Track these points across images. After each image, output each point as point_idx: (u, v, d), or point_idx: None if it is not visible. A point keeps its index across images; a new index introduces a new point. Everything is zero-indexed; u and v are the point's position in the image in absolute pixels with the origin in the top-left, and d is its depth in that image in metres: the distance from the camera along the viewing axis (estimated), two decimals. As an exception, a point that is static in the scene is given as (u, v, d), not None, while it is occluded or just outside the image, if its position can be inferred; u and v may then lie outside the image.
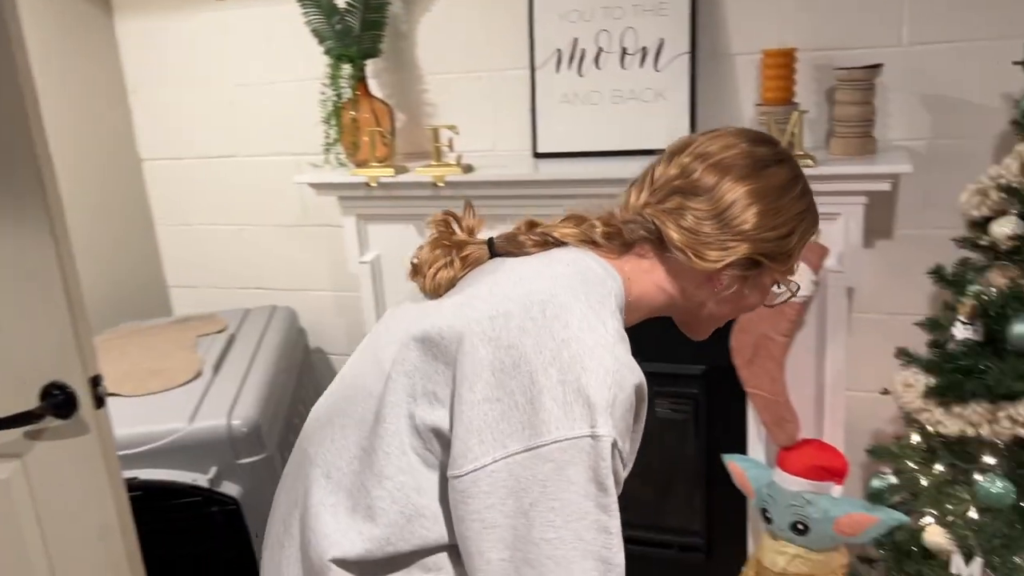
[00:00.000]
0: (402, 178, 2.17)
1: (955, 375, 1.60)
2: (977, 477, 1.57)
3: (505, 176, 2.12)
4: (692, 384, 2.20)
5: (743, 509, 2.21)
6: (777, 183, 0.99)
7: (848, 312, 2.02)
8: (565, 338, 0.88)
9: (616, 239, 1.03)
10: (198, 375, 2.04)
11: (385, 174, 2.16)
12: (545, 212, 2.09)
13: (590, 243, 1.03)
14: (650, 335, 2.17)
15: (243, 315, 2.50)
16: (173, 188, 2.81)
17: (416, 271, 1.06)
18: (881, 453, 1.83)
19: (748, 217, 0.97)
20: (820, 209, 1.92)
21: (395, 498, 0.93)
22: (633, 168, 1.87)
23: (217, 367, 2.09)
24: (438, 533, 0.94)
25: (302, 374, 2.44)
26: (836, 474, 1.91)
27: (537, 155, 2.24)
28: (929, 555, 1.68)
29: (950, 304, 1.72)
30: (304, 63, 2.45)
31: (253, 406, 1.90)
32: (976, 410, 1.56)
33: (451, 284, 1.03)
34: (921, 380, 1.68)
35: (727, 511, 2.24)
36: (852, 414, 2.14)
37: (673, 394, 2.24)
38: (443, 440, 0.93)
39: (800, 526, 1.90)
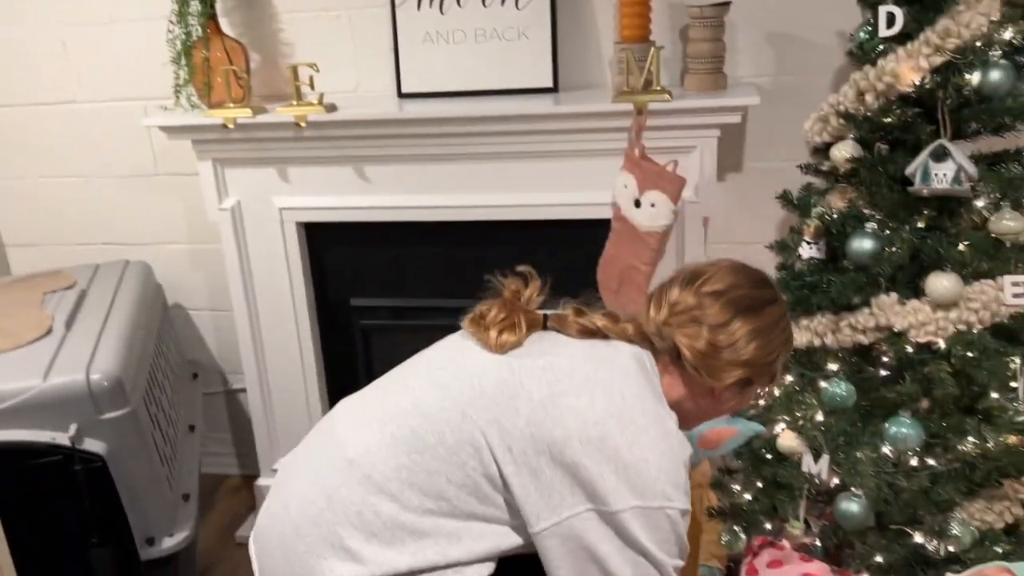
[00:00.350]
0: (261, 119, 2.10)
1: (802, 291, 1.73)
2: (823, 384, 1.70)
3: (370, 116, 2.09)
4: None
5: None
6: (771, 321, 1.26)
7: (704, 241, 2.13)
8: (643, 424, 1.15)
9: (646, 343, 1.25)
10: (48, 332, 1.91)
11: (243, 115, 2.08)
12: (412, 152, 2.11)
13: (627, 340, 1.25)
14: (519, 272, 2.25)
15: (93, 271, 2.35)
16: (2, 139, 2.58)
17: (478, 324, 1.25)
18: (738, 369, 1.96)
19: (749, 350, 1.22)
20: (676, 143, 2.03)
21: None
22: (498, 107, 1.92)
23: (69, 323, 1.97)
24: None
25: (162, 330, 2.33)
26: (698, 392, 2.03)
27: (402, 95, 2.21)
28: (782, 458, 1.82)
29: (796, 228, 1.84)
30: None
31: (112, 360, 1.80)
32: (821, 322, 1.70)
33: (515, 347, 1.21)
34: (772, 298, 1.80)
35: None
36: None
37: (544, 329, 2.30)
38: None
39: (667, 444, 2.01)
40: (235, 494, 2.75)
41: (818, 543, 1.84)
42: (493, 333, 1.21)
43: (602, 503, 1.12)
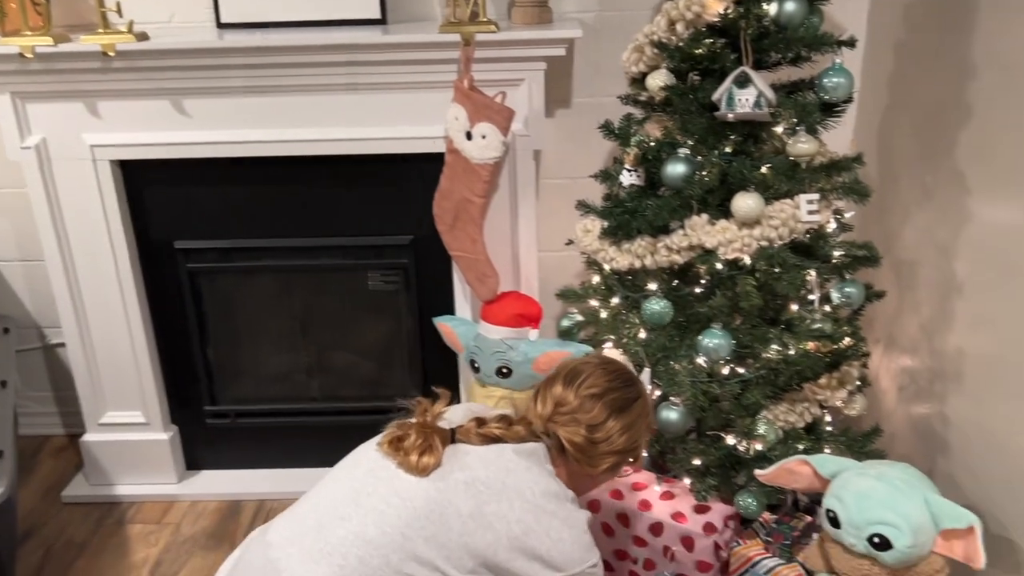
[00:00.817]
0: (64, 47, 1.94)
1: (623, 217, 1.81)
2: (643, 303, 1.80)
3: (185, 45, 1.98)
4: (401, 255, 2.27)
5: (455, 365, 2.36)
6: (637, 415, 1.51)
7: (536, 174, 2.18)
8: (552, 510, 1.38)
9: (536, 439, 1.46)
10: None
11: (42, 43, 1.92)
12: (234, 85, 2.03)
13: (521, 440, 1.44)
14: (358, 211, 2.22)
15: None
16: None
17: (396, 448, 1.37)
18: (568, 295, 2.04)
19: (621, 442, 1.47)
20: (504, 76, 2.05)
21: None
22: (322, 37, 1.83)
23: None
24: None
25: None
26: (532, 319, 2.09)
27: (221, 26, 2.11)
28: (610, 377, 1.93)
29: (618, 157, 1.92)
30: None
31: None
32: (641, 245, 1.79)
33: (436, 467, 1.35)
34: (597, 225, 1.88)
35: (441, 369, 2.37)
36: (545, 272, 2.35)
37: (383, 266, 2.30)
38: None
39: (504, 370, 2.07)
40: (60, 454, 2.60)
41: (644, 453, 1.97)
42: (414, 458, 1.35)
43: None
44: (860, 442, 1.90)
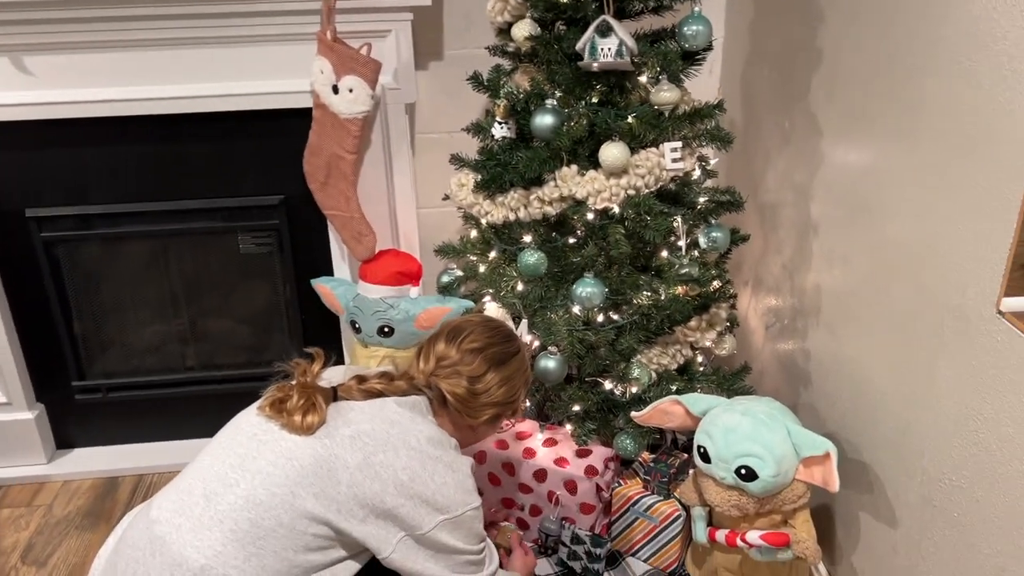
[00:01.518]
0: None
1: (496, 169, 1.81)
2: (519, 256, 1.81)
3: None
4: (272, 215, 2.20)
5: (336, 327, 2.33)
6: (515, 370, 1.55)
7: (409, 128, 2.15)
8: (437, 456, 1.40)
9: (418, 392, 1.49)
10: None
11: None
12: (82, 39, 1.90)
13: (403, 394, 1.47)
14: (225, 171, 2.14)
15: None
16: None
17: (279, 410, 1.36)
18: (447, 251, 2.03)
19: (499, 393, 1.52)
20: (369, 27, 1.99)
21: None
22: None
23: None
24: None
25: None
26: (412, 276, 2.08)
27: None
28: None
29: (491, 110, 1.91)
30: None
31: None
32: (514, 197, 1.79)
33: (321, 425, 1.35)
34: (471, 179, 1.87)
35: (322, 332, 2.33)
36: (427, 229, 2.33)
37: (254, 228, 2.22)
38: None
39: (386, 329, 2.06)
40: (-85, 442, 2.43)
41: (524, 406, 2.00)
42: (298, 418, 1.35)
43: (417, 528, 1.36)
44: (730, 380, 1.99)
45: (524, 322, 1.83)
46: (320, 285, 2.17)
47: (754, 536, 1.66)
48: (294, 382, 1.42)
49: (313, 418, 1.35)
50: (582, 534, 1.91)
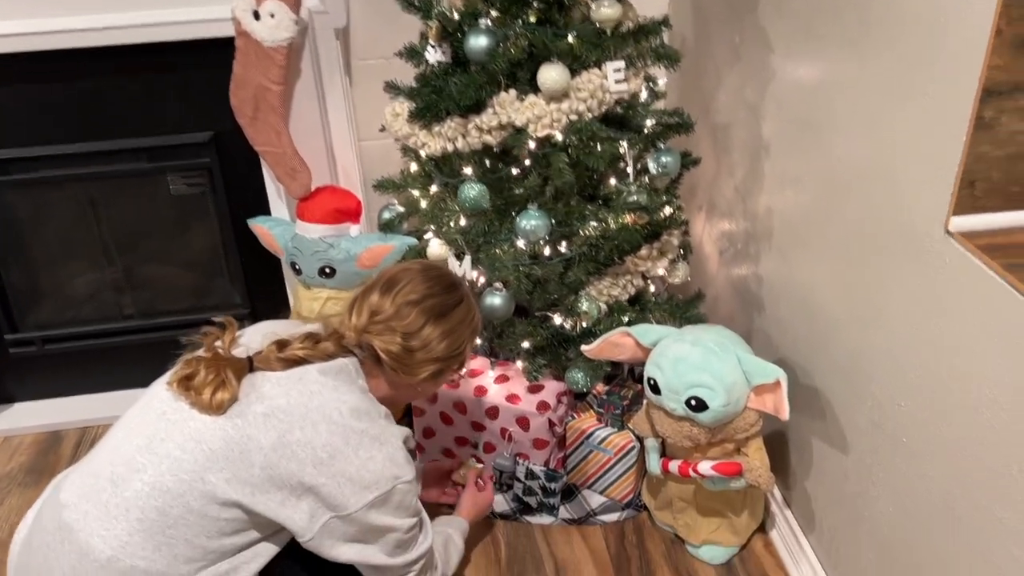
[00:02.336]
0: None
1: (431, 97, 1.70)
2: (460, 189, 1.73)
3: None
4: (202, 153, 2.09)
5: (279, 268, 2.24)
6: (458, 321, 1.43)
7: (343, 55, 2.03)
8: (362, 428, 1.30)
9: (348, 353, 1.38)
10: None
11: None
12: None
13: (330, 357, 1.35)
14: (149, 108, 2.01)
15: None
16: None
17: (187, 387, 1.25)
18: (386, 186, 1.94)
19: (441, 348, 1.40)
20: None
21: None
22: None
23: None
24: None
25: None
26: (351, 214, 1.99)
27: None
28: (434, 266, 1.87)
29: (425, 33, 1.79)
30: None
31: None
32: (450, 126, 1.70)
33: (232, 402, 1.25)
34: (406, 107, 1.77)
35: (264, 274, 2.25)
36: (370, 163, 2.23)
37: (184, 168, 2.11)
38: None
39: (327, 270, 1.98)
40: None
41: (477, 340, 1.94)
42: (206, 396, 1.24)
43: (343, 508, 1.27)
44: (683, 308, 1.94)
45: (467, 258, 1.76)
46: (257, 225, 2.08)
47: (706, 467, 1.64)
48: (203, 354, 1.31)
49: (223, 395, 1.24)
50: (536, 469, 1.88)
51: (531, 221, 1.67)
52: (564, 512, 1.92)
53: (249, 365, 1.31)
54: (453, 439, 1.99)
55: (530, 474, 1.89)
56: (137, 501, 1.21)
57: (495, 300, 1.74)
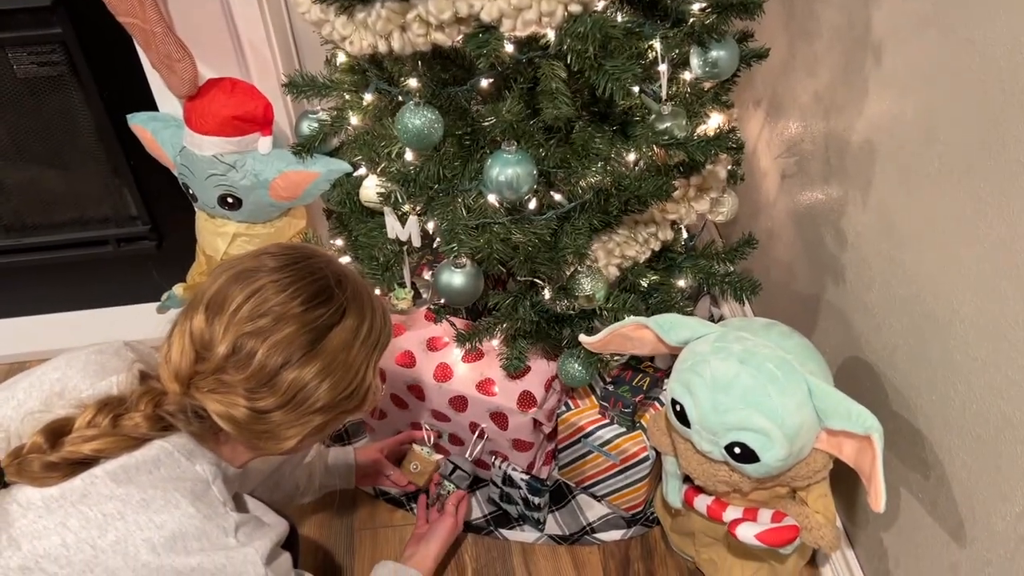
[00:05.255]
0: None
1: (350, -36, 1.06)
2: (399, 119, 1.12)
3: None
4: (50, 21, 1.46)
5: (177, 181, 1.67)
6: (341, 344, 0.87)
7: None
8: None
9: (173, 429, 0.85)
10: None
11: None
12: None
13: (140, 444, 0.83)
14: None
15: None
16: None
17: None
18: (299, 86, 1.31)
19: (322, 394, 0.86)
20: None
21: None
22: None
23: None
24: None
25: None
26: (257, 122, 1.39)
27: None
28: (373, 213, 1.31)
29: None
30: None
31: None
32: (380, 14, 1.06)
33: None
34: (317, -23, 1.12)
35: (166, 181, 1.67)
36: (306, 36, 1.60)
37: (28, 40, 1.49)
38: None
39: (229, 199, 1.42)
40: None
41: (443, 301, 1.42)
42: None
43: None
44: (729, 256, 1.40)
45: (413, 220, 1.19)
46: (137, 126, 1.50)
47: (747, 533, 1.16)
48: None
49: None
50: (517, 476, 1.42)
51: (507, 169, 1.08)
52: (552, 525, 1.48)
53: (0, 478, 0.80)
54: (409, 425, 1.52)
55: (508, 480, 1.44)
56: None
57: (454, 279, 1.19)
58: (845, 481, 1.29)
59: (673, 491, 1.30)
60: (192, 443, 0.85)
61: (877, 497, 1.01)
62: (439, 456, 1.42)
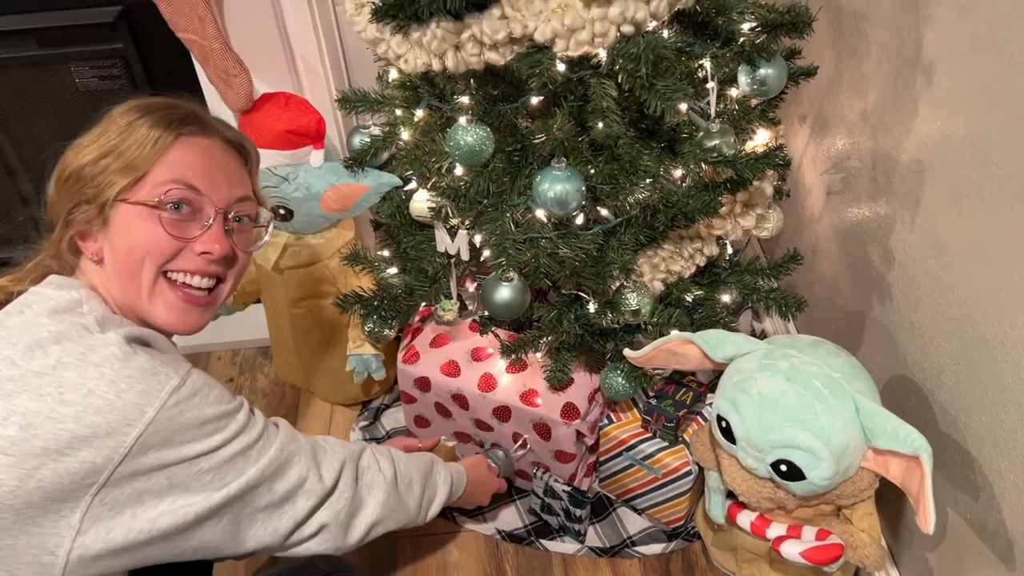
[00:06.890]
0: None
1: (406, -15, 1.09)
2: (451, 130, 1.14)
3: None
4: (113, 37, 1.52)
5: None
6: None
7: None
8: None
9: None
10: None
11: None
12: None
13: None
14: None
15: None
16: None
17: None
18: (352, 101, 1.34)
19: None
20: None
21: None
22: None
23: None
24: None
25: None
26: (310, 136, 1.43)
27: None
28: (423, 226, 1.34)
29: None
30: None
31: None
32: (435, 34, 1.09)
33: None
34: (373, -3, 1.15)
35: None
36: (356, 53, 1.63)
37: (91, 55, 1.54)
38: None
39: (282, 211, 1.45)
40: None
41: (487, 313, 1.44)
42: None
43: (97, 475, 0.80)
44: (772, 271, 1.41)
45: (462, 234, 1.21)
46: (193, 140, 1.53)
47: (792, 551, 1.16)
48: None
49: None
50: (559, 488, 1.44)
51: (556, 186, 1.10)
52: (593, 537, 1.49)
53: None
54: (453, 433, 1.54)
55: (550, 491, 1.45)
56: None
57: (503, 293, 1.21)
58: (890, 500, 1.28)
59: (716, 506, 1.31)
60: (62, 278, 0.91)
61: (926, 518, 1.00)
62: (454, 442, 1.48)
